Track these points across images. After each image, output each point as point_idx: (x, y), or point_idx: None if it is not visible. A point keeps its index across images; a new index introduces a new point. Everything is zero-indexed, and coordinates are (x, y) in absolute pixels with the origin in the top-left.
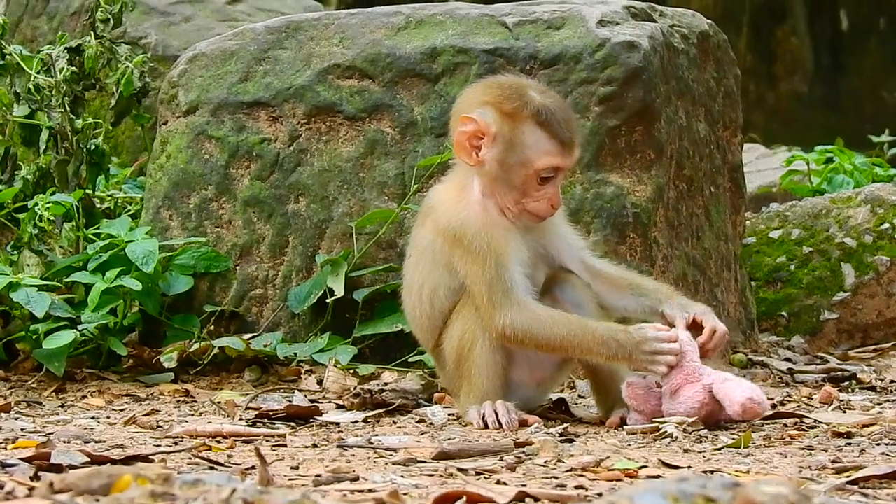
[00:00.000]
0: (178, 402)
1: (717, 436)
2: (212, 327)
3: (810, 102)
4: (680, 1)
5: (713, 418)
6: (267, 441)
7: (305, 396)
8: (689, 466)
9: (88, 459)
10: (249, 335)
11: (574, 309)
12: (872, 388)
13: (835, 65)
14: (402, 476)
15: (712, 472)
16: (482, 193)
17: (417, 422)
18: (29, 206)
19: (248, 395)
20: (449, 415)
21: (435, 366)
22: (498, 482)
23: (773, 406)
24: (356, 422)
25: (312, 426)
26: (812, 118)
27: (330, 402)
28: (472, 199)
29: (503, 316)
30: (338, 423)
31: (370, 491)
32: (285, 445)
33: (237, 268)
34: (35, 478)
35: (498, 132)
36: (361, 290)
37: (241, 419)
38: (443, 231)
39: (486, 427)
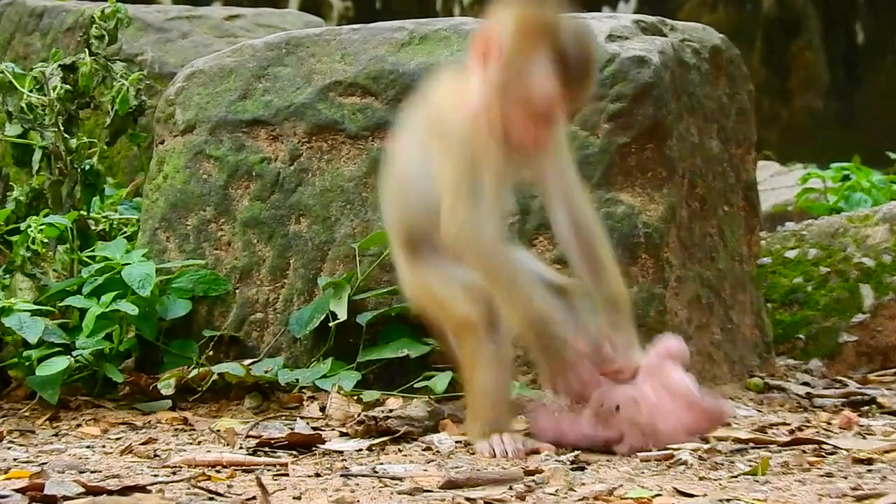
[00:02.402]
0: (176, 430)
1: (733, 462)
2: (211, 353)
3: (826, 118)
4: (691, 15)
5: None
6: (268, 470)
7: (308, 424)
8: (705, 495)
9: (84, 490)
10: (250, 361)
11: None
12: (894, 413)
13: (850, 79)
14: None
15: (728, 500)
16: (482, 104)
17: (424, 449)
18: (21, 229)
19: (248, 422)
20: (456, 442)
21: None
22: None
23: (791, 432)
24: (360, 450)
25: (315, 454)
26: (828, 135)
27: (333, 429)
28: (471, 106)
29: (459, 216)
30: (341, 452)
31: None
32: (287, 475)
33: (237, 291)
34: None
35: (510, 50)
36: (365, 314)
37: (241, 448)
38: (432, 125)
39: (496, 456)
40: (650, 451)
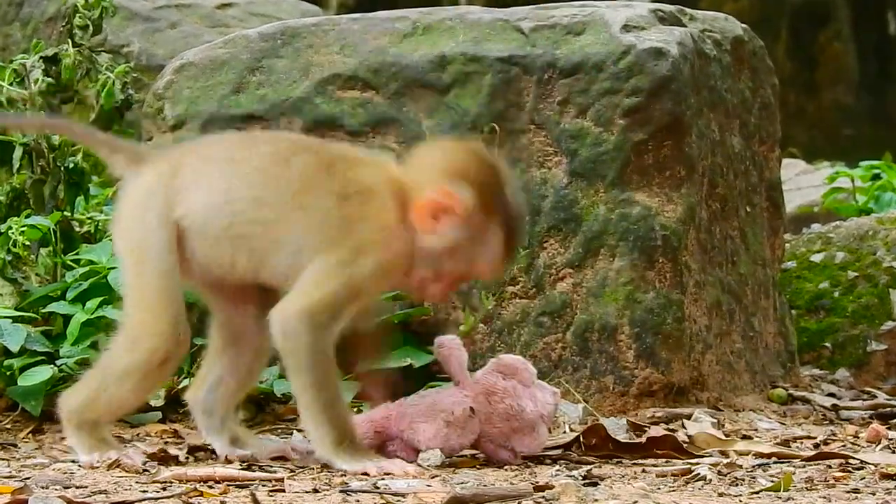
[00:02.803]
0: (166, 443)
1: (754, 478)
2: (199, 364)
3: (855, 114)
4: (712, 4)
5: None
6: (263, 486)
7: (305, 437)
8: None
9: None
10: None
11: None
12: None
13: (882, 73)
14: None
15: None
16: (415, 251)
17: (429, 465)
18: (2, 230)
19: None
20: (447, 457)
21: None
22: None
23: (816, 445)
24: None
25: (313, 469)
26: (857, 131)
27: None
28: (399, 244)
29: (315, 319)
30: None
31: None
32: (283, 490)
33: None
34: None
35: (468, 220)
36: None
37: (234, 462)
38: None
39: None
40: (510, 451)
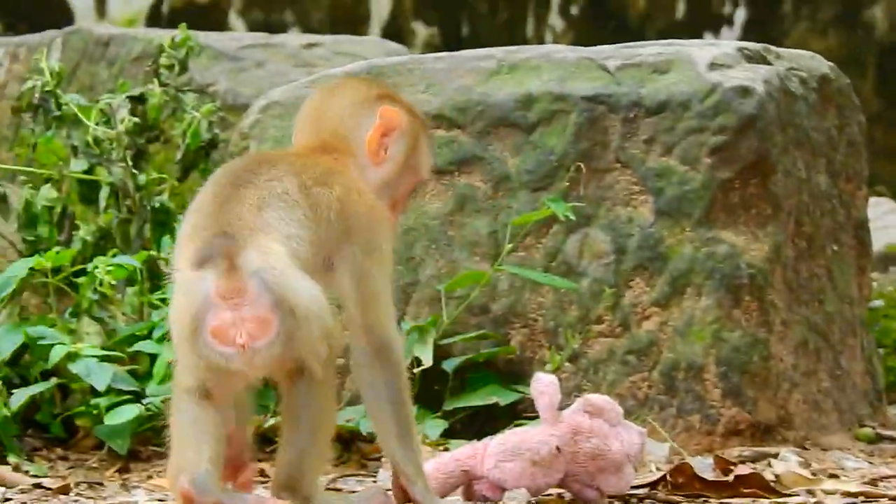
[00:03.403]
0: (253, 482)
1: None
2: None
3: None
4: (798, 42)
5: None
6: None
7: (391, 476)
8: None
9: None
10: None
11: None
12: None
13: None
14: None
15: None
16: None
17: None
18: (88, 270)
19: (329, 475)
20: (533, 496)
21: None
22: None
23: None
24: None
25: None
26: None
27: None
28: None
29: (391, 322)
30: None
31: None
32: None
33: None
34: None
35: (407, 132)
36: (451, 360)
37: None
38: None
39: None
40: (596, 490)
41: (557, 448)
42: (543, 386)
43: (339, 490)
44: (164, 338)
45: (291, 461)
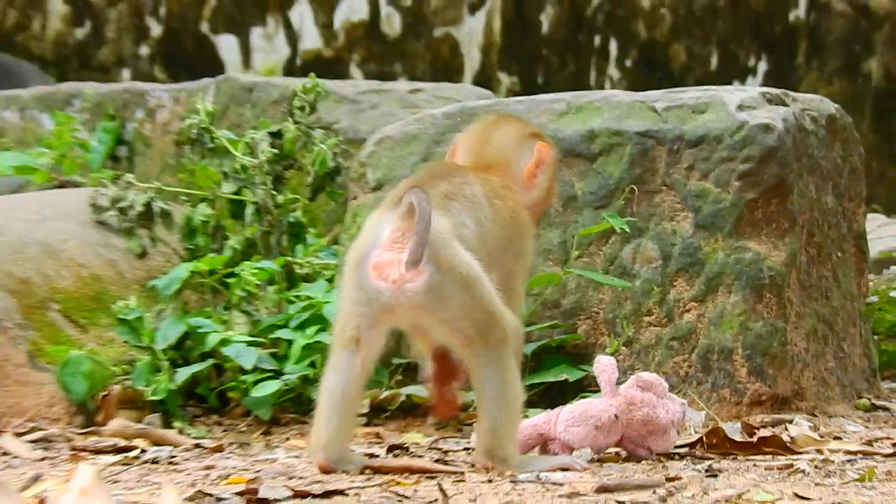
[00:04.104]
0: (370, 443)
1: (844, 471)
2: (399, 377)
3: None
4: (809, 87)
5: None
6: (448, 477)
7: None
8: (820, 498)
9: (292, 494)
10: None
11: None
12: None
13: None
14: None
15: (840, 503)
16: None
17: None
18: (237, 272)
19: (431, 437)
20: (596, 454)
21: None
22: None
23: (894, 445)
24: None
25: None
26: None
27: None
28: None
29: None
30: None
31: None
32: (464, 481)
33: None
34: None
35: (551, 166)
36: (530, 345)
37: (425, 458)
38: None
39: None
40: (647, 449)
41: (615, 416)
42: (604, 366)
43: (441, 449)
44: (299, 326)
45: (486, 430)
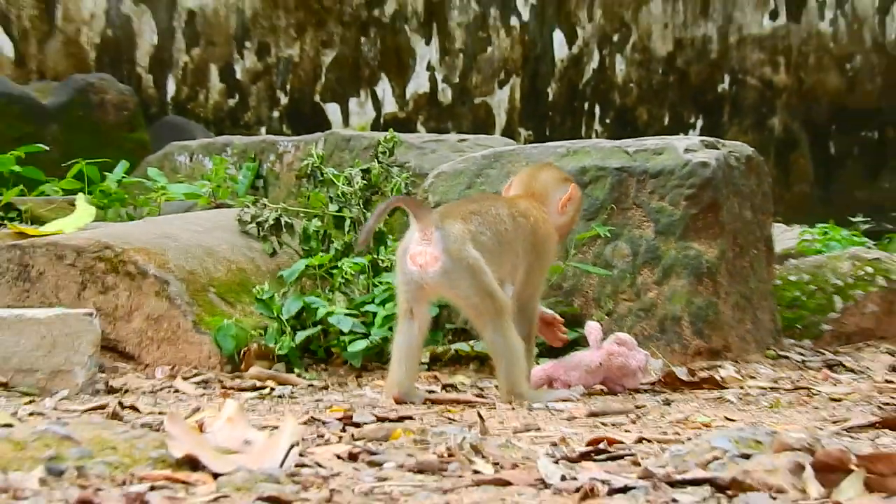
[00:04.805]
0: (429, 382)
1: (759, 401)
2: (450, 337)
3: (813, 199)
4: (732, 137)
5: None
6: (484, 406)
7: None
8: (743, 420)
9: (376, 419)
10: (472, 341)
11: None
12: (853, 371)
13: (828, 176)
14: (567, 427)
15: (755, 423)
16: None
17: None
18: (338, 266)
19: (471, 378)
20: (587, 390)
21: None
22: (626, 430)
23: (793, 383)
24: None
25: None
26: (814, 209)
27: None
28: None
29: (535, 298)
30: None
31: (547, 436)
32: (495, 408)
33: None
34: (343, 430)
35: (577, 201)
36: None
37: (468, 393)
38: (534, 235)
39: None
40: (621, 387)
41: (600, 363)
42: (591, 328)
43: (480, 387)
44: (381, 302)
45: (503, 376)
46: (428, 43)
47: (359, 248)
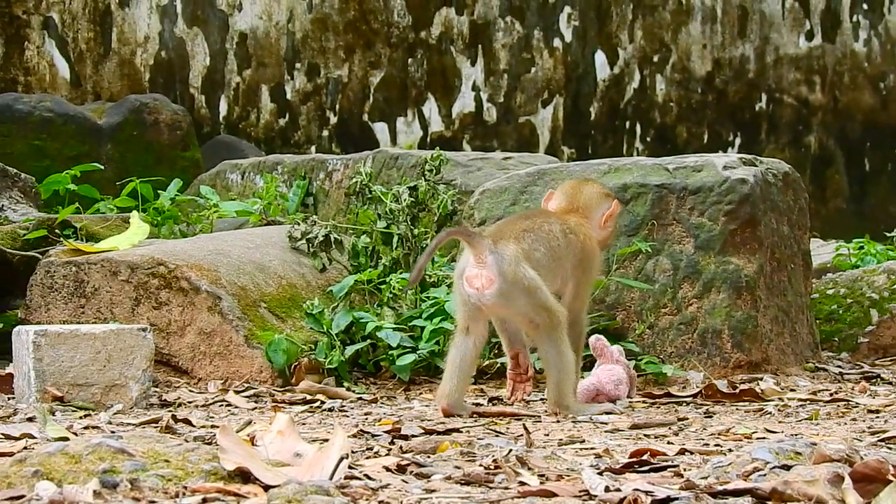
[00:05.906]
0: (476, 396)
1: (798, 413)
2: (496, 351)
3: (848, 215)
4: (770, 154)
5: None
6: (529, 419)
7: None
8: (783, 431)
9: (424, 431)
10: None
11: None
12: (890, 383)
13: (863, 191)
14: (611, 439)
15: (795, 435)
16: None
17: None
18: (387, 281)
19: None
20: (627, 403)
21: None
22: (668, 442)
23: (831, 395)
24: None
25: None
26: (849, 224)
27: None
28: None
29: (584, 309)
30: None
31: (591, 448)
32: (541, 421)
33: None
34: (391, 443)
35: (617, 216)
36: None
37: (514, 406)
38: (580, 249)
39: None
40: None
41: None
42: (602, 343)
43: (526, 401)
44: (429, 317)
45: (552, 387)
46: (473, 64)
47: (410, 285)
